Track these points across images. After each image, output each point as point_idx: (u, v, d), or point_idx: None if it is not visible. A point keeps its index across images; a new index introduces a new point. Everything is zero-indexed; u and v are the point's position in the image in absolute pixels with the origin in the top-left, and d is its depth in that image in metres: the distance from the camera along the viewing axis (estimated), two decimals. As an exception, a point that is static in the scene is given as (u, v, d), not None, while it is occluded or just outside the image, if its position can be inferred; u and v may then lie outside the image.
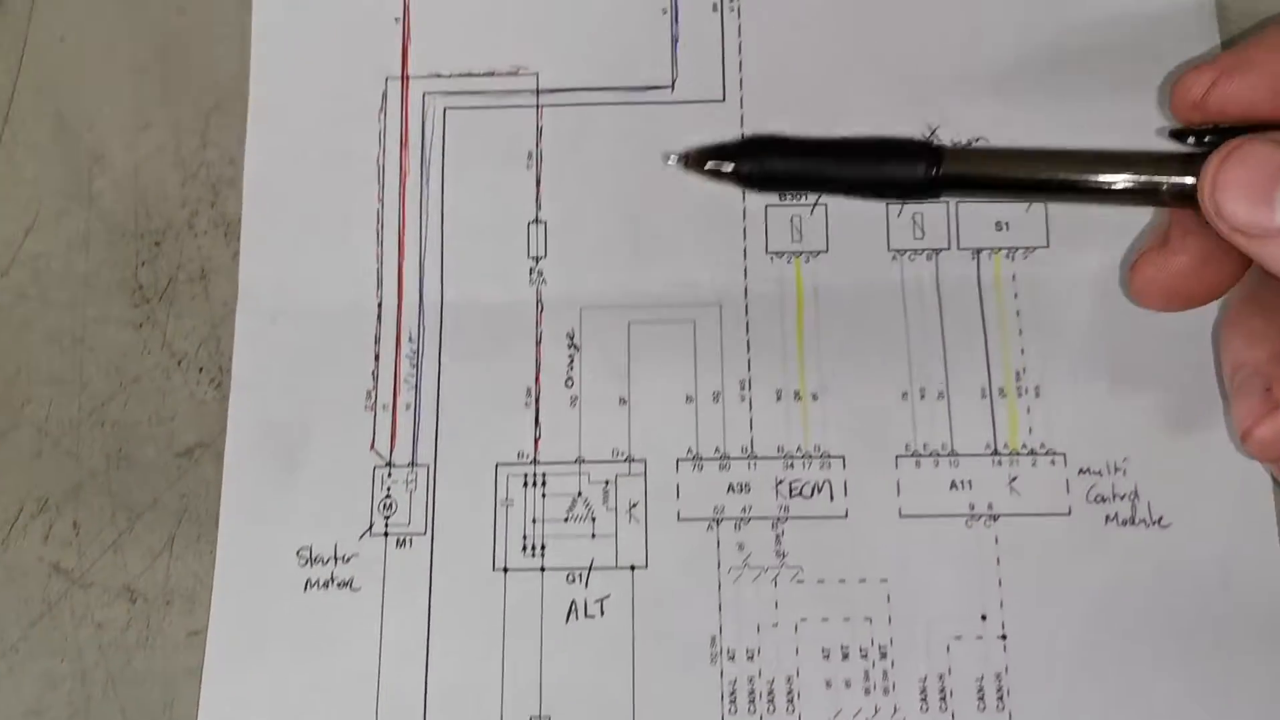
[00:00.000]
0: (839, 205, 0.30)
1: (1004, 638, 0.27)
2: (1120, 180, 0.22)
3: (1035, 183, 0.23)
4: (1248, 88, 0.22)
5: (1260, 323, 0.24)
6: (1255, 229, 0.20)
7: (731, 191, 0.29)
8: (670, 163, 0.25)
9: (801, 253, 0.29)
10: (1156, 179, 0.22)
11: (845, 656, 0.27)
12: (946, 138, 0.29)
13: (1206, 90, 0.22)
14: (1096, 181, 0.22)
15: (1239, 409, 0.23)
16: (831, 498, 0.28)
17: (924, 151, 0.23)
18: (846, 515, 0.28)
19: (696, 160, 0.24)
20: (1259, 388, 0.23)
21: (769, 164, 0.24)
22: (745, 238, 0.29)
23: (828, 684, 0.27)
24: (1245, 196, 0.20)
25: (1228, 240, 0.21)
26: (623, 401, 0.29)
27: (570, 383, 0.29)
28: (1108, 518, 0.27)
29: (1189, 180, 0.22)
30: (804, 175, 0.24)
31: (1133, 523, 0.27)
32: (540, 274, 0.29)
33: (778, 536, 0.27)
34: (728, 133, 0.30)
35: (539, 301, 0.29)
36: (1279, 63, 0.22)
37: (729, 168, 0.24)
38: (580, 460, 0.28)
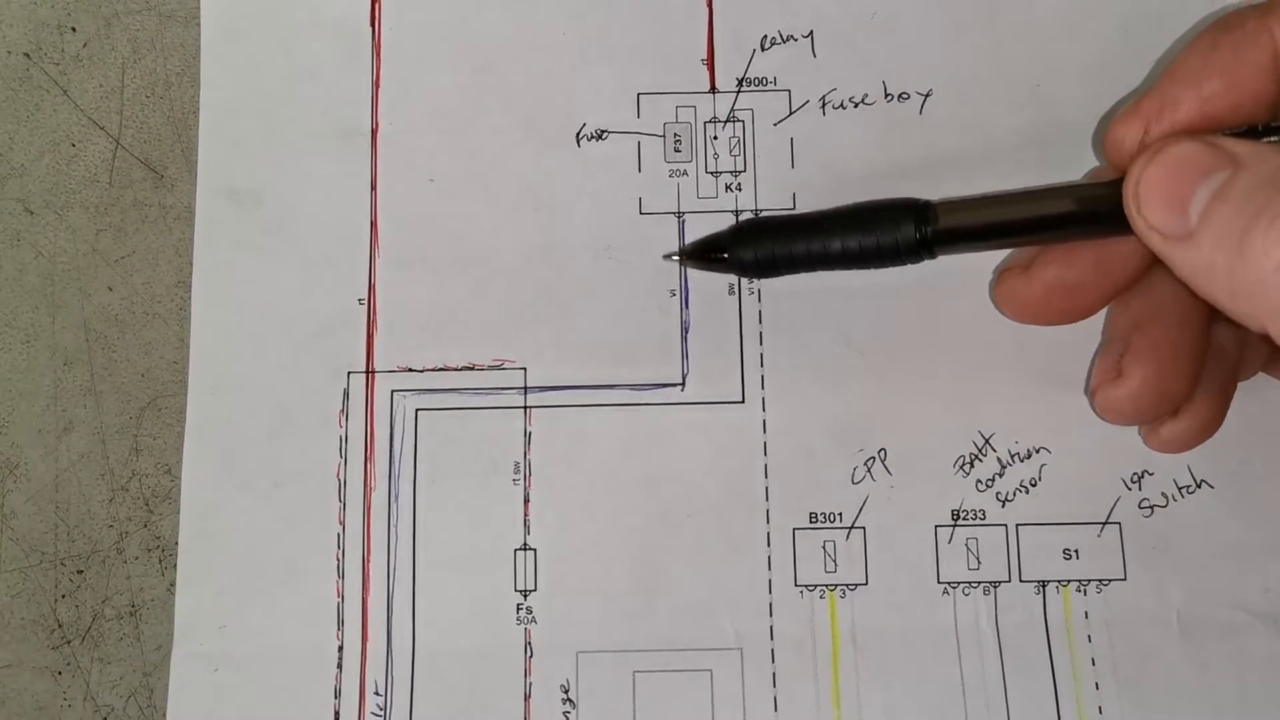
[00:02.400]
0: (879, 528, 0.28)
1: None
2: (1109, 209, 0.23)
3: (1030, 222, 0.25)
4: (1178, 126, 0.23)
5: (1140, 288, 0.26)
6: (1169, 230, 0.21)
7: (754, 513, 0.28)
8: (669, 260, 0.29)
9: (836, 585, 0.28)
10: None
11: None
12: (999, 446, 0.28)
13: (1139, 140, 0.24)
14: (1091, 212, 0.24)
15: (1096, 368, 0.27)
16: None
17: (913, 209, 0.25)
18: None
19: (692, 255, 0.28)
20: (1116, 352, 0.26)
21: (762, 247, 0.26)
22: (770, 567, 0.28)
23: None
24: (1162, 199, 0.21)
25: (1144, 240, 0.22)
26: (628, 771, 0.27)
27: (565, 747, 0.28)
28: None
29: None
30: (798, 253, 0.26)
31: None
32: (529, 612, 0.28)
33: None
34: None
35: (527, 646, 0.28)
36: (1200, 94, 0.23)
37: (724, 256, 0.27)
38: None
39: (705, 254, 0.27)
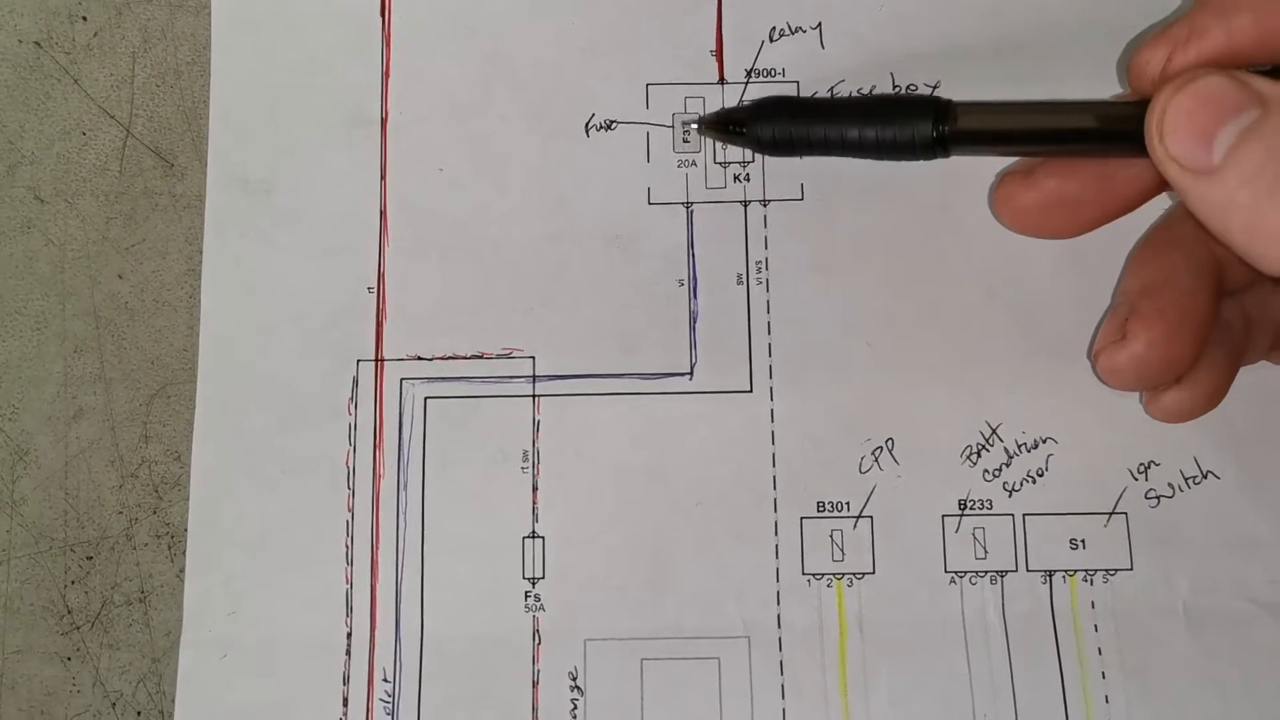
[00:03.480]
0: (886, 517, 0.29)
1: None
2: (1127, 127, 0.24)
3: (1047, 132, 0.25)
4: (1203, 55, 0.23)
5: (1152, 254, 0.27)
6: (1191, 163, 0.22)
7: (762, 502, 0.29)
8: (688, 130, 0.30)
9: (844, 574, 0.28)
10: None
11: None
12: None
13: (1163, 66, 0.24)
14: (1110, 130, 0.24)
15: (1102, 330, 0.27)
16: None
17: (933, 106, 0.26)
18: None
19: (711, 125, 0.29)
20: (1121, 314, 0.26)
21: (780, 125, 0.27)
22: (778, 556, 0.28)
23: None
24: (1188, 131, 0.22)
25: (1161, 170, 0.22)
26: (635, 758, 0.28)
27: (573, 734, 0.28)
28: None
29: None
30: (815, 136, 0.27)
31: None
32: (537, 600, 0.28)
33: None
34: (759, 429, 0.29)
35: (536, 633, 0.28)
36: (1229, 26, 0.23)
37: (742, 130, 0.27)
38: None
39: (724, 125, 0.28)
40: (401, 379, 0.29)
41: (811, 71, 0.30)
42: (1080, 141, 0.25)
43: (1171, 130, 0.22)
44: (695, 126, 0.30)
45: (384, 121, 0.30)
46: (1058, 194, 0.27)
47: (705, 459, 0.29)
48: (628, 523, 0.28)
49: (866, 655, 0.28)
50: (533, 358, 0.29)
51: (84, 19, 0.31)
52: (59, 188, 0.30)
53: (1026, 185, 0.27)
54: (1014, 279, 0.29)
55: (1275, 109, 0.21)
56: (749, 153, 0.30)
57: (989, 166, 0.29)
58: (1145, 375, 0.26)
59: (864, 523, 0.28)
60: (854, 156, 0.27)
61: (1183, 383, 0.27)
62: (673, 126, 0.30)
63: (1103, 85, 0.30)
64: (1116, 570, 0.28)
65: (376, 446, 0.29)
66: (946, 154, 0.26)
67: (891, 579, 0.28)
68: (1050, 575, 0.28)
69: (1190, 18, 0.24)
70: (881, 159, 0.27)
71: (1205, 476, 0.28)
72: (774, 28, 0.31)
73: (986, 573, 0.28)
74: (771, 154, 0.29)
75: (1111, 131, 0.25)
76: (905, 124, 0.26)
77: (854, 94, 0.30)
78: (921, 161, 0.26)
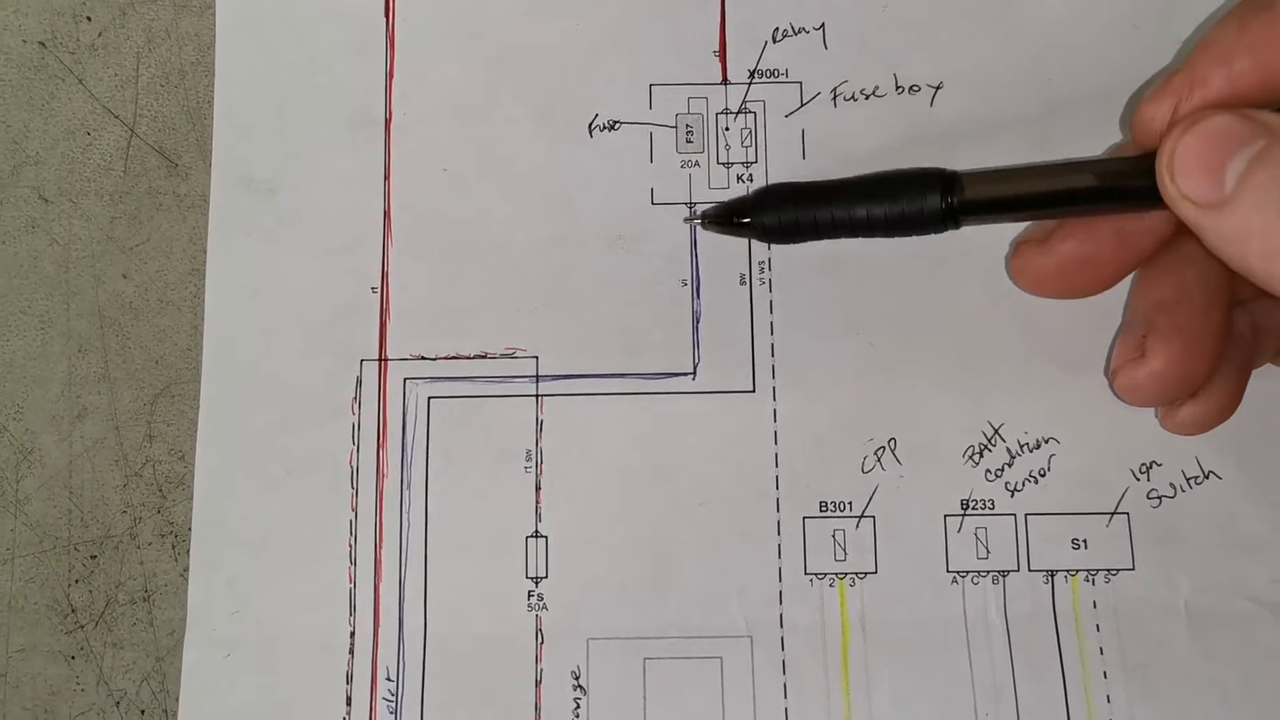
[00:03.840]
0: (889, 517, 0.29)
1: None
2: (1137, 182, 0.24)
3: (1056, 195, 0.25)
4: (1207, 104, 0.24)
5: (1164, 270, 0.27)
6: (1204, 199, 0.22)
7: (765, 502, 0.29)
8: (691, 223, 0.30)
9: (846, 574, 0.28)
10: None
11: None
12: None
13: (1168, 119, 0.24)
14: (1117, 186, 0.25)
15: (1118, 348, 0.27)
16: None
17: (940, 180, 0.25)
18: None
19: (715, 220, 0.28)
20: (1138, 332, 0.26)
21: (785, 213, 0.27)
22: (780, 555, 0.28)
23: None
24: (1198, 168, 0.22)
25: (1176, 211, 0.22)
26: (638, 757, 0.28)
27: (576, 733, 0.28)
28: None
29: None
30: (822, 220, 0.27)
31: None
32: (540, 599, 0.29)
33: None
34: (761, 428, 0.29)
35: (539, 632, 0.28)
36: (1229, 72, 0.24)
37: (746, 221, 0.27)
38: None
39: (727, 218, 0.28)
40: (405, 379, 0.29)
41: (814, 72, 0.30)
42: (1092, 202, 0.25)
43: (1182, 170, 0.22)
44: (699, 222, 0.29)
45: (388, 122, 0.30)
46: (1076, 257, 0.27)
47: (708, 459, 0.29)
48: (630, 522, 0.29)
49: (869, 655, 0.28)
50: (536, 357, 0.29)
51: (88, 19, 0.31)
52: (63, 187, 0.31)
53: (1043, 252, 0.27)
54: (1016, 279, 0.29)
55: None
56: (751, 152, 0.30)
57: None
58: (1164, 392, 0.26)
59: (866, 522, 0.28)
60: (863, 236, 0.27)
61: (1199, 396, 0.27)
62: (676, 127, 0.30)
63: (1104, 84, 0.30)
64: (1118, 570, 0.28)
65: (380, 446, 0.29)
66: (958, 225, 0.26)
67: (894, 579, 0.28)
68: (1052, 575, 0.28)
69: (1190, 67, 0.24)
70: (891, 236, 0.26)
71: (1207, 477, 0.28)
72: (777, 28, 0.31)
73: (988, 572, 0.28)
74: (779, 242, 0.28)
75: (1121, 188, 0.25)
76: (914, 199, 0.26)
77: (858, 175, 0.28)
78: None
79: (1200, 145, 0.22)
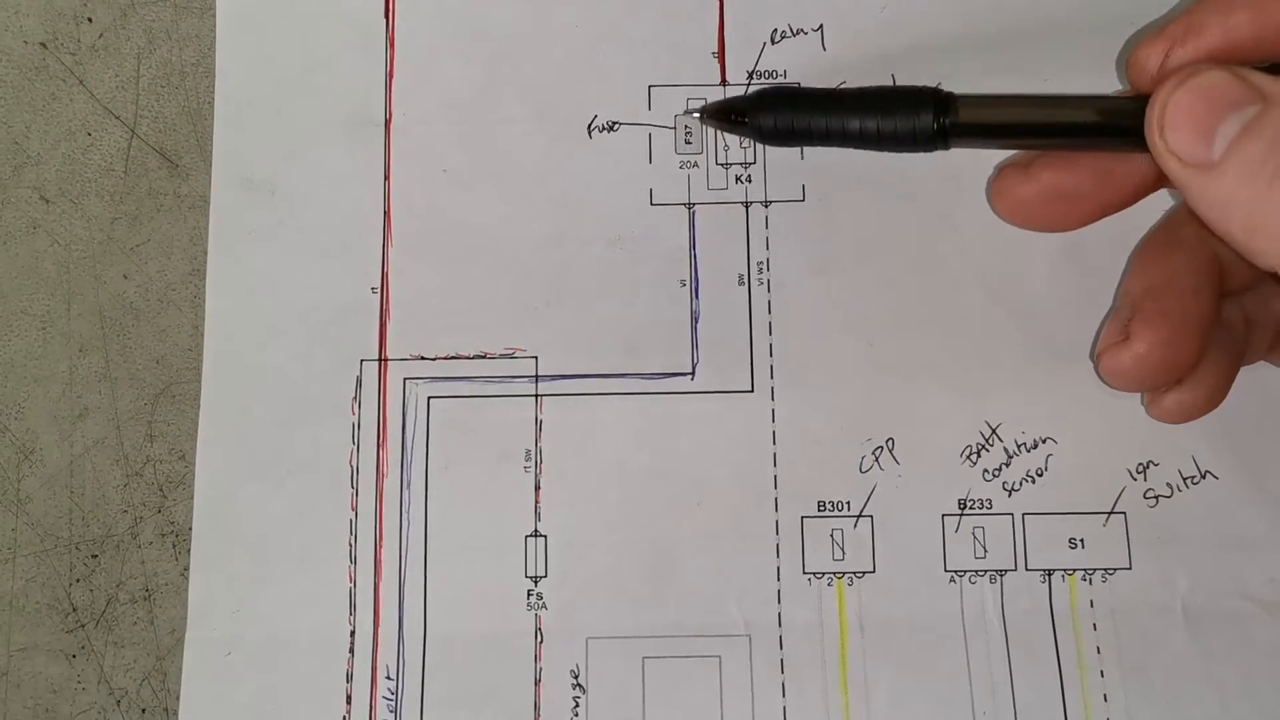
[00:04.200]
0: (887, 517, 0.29)
1: None
2: (1128, 122, 0.24)
3: (1047, 126, 0.26)
4: (1201, 52, 0.24)
5: (1155, 255, 0.27)
6: (1191, 158, 0.22)
7: (763, 501, 0.29)
8: (689, 122, 0.30)
9: (844, 573, 0.28)
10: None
11: None
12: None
13: (1162, 62, 0.24)
14: (1110, 124, 0.25)
15: (1105, 331, 0.27)
16: None
17: (934, 98, 0.26)
18: None
19: (713, 115, 0.29)
20: (1125, 317, 0.26)
21: (782, 115, 0.27)
22: (779, 555, 0.29)
23: None
24: (1188, 125, 0.22)
25: (1161, 165, 0.22)
26: (637, 755, 0.28)
27: (575, 732, 0.28)
28: None
29: None
30: (816, 126, 0.27)
31: None
32: (540, 598, 0.29)
33: None
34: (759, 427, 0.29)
35: (538, 632, 0.29)
36: (1226, 23, 0.24)
37: (744, 120, 0.28)
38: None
39: (726, 115, 0.28)
40: (405, 378, 0.29)
41: (813, 73, 0.31)
42: (1080, 136, 0.26)
43: (1172, 125, 0.22)
44: (697, 115, 0.30)
45: (388, 122, 0.31)
46: (1056, 187, 0.27)
47: (706, 458, 0.29)
48: (629, 522, 0.29)
49: (867, 654, 0.28)
50: (535, 357, 0.29)
51: (89, 20, 0.32)
52: (64, 188, 0.31)
53: (1024, 178, 0.27)
54: (1014, 279, 0.29)
55: (1276, 104, 0.21)
56: (750, 153, 0.30)
57: (989, 168, 0.29)
58: (1148, 376, 0.26)
59: (864, 522, 0.29)
60: (855, 147, 0.27)
61: (1184, 384, 0.27)
62: (675, 128, 0.30)
63: (1103, 82, 0.30)
64: (1115, 569, 0.28)
65: (380, 446, 0.29)
66: (947, 146, 0.26)
67: (892, 578, 0.28)
68: (1049, 574, 0.28)
69: (1188, 14, 0.24)
70: (882, 150, 0.27)
71: (1204, 476, 0.29)
72: (776, 29, 0.31)
73: (986, 572, 0.28)
74: (773, 144, 0.29)
75: (1111, 126, 0.25)
76: (906, 115, 0.26)
77: (854, 87, 0.29)
78: (921, 155, 0.27)
79: (1192, 101, 0.22)
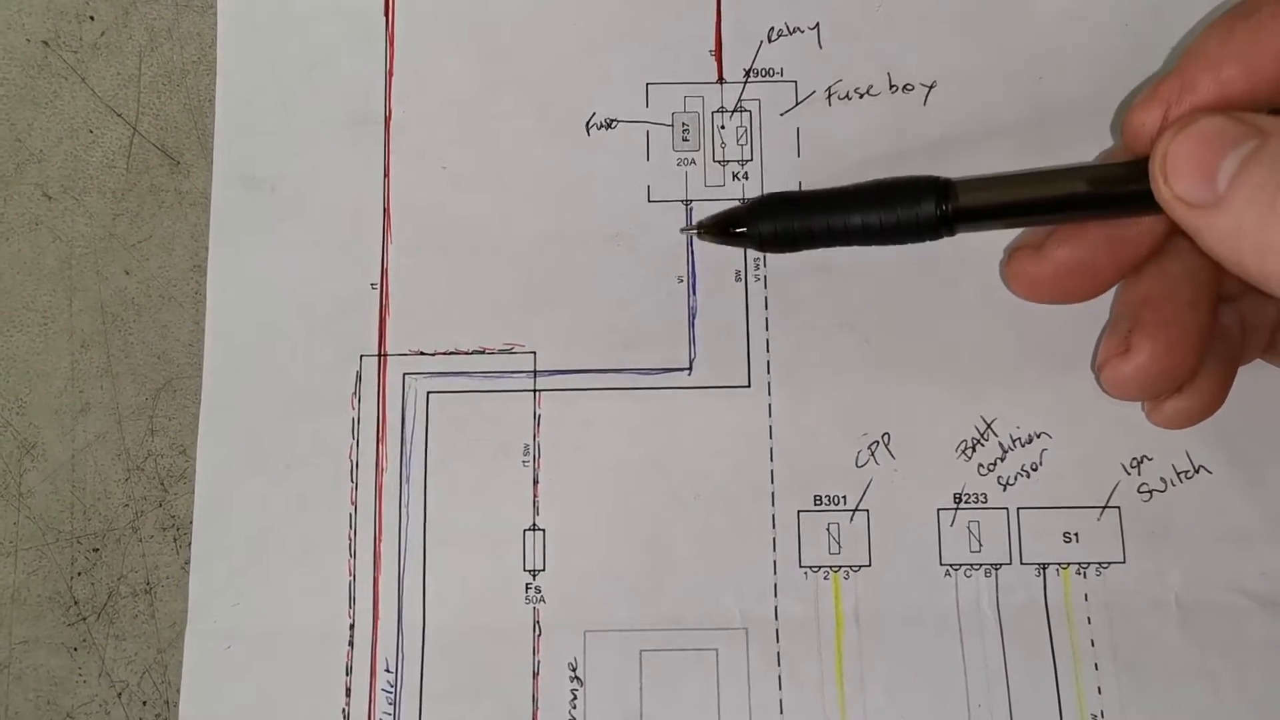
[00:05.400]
0: (882, 511, 0.29)
1: None
2: (1131, 187, 0.24)
3: (1050, 201, 0.25)
4: (1198, 108, 0.24)
5: (1151, 266, 0.27)
6: (1197, 200, 0.22)
7: (760, 496, 0.29)
8: (688, 234, 0.30)
9: (840, 567, 0.29)
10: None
11: None
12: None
13: (1159, 124, 0.24)
14: (1111, 192, 0.25)
15: (1104, 342, 0.28)
16: None
17: (934, 187, 0.26)
18: None
19: (711, 230, 0.28)
20: (1124, 327, 0.27)
21: (781, 221, 0.27)
22: (775, 548, 0.29)
23: None
24: (1191, 169, 0.22)
25: (1170, 213, 0.23)
26: (634, 747, 0.28)
27: (573, 724, 0.28)
28: None
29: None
30: (817, 228, 0.27)
31: None
32: (538, 591, 0.29)
33: None
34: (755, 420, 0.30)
35: (536, 625, 0.29)
36: (1219, 78, 0.24)
37: (743, 231, 0.27)
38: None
39: (723, 228, 0.28)
40: (404, 374, 0.30)
41: (809, 71, 0.31)
42: (1086, 208, 0.25)
43: (1175, 171, 0.23)
44: (695, 233, 0.30)
45: (387, 119, 0.31)
46: (1070, 263, 0.27)
47: (704, 453, 0.29)
48: (627, 516, 0.29)
49: (863, 647, 0.28)
50: (534, 353, 0.30)
51: (91, 18, 0.32)
52: (66, 185, 0.31)
53: (1038, 259, 0.27)
54: (1009, 276, 0.30)
55: (1274, 135, 0.22)
56: (748, 151, 0.31)
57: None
58: (1149, 386, 0.27)
59: (860, 516, 0.29)
60: (860, 244, 0.27)
61: (1184, 391, 0.27)
62: (672, 125, 0.31)
63: (1096, 83, 0.30)
64: (1109, 563, 0.29)
65: (379, 440, 0.30)
66: (952, 232, 0.26)
67: (887, 572, 0.29)
68: (1044, 568, 0.29)
69: (1180, 73, 0.24)
70: (887, 244, 0.27)
71: (1197, 471, 0.29)
72: (772, 28, 0.31)
73: (981, 565, 0.29)
74: (776, 251, 0.28)
75: (1116, 194, 0.25)
76: (908, 207, 0.26)
77: (853, 184, 0.28)
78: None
79: (1193, 146, 0.22)
